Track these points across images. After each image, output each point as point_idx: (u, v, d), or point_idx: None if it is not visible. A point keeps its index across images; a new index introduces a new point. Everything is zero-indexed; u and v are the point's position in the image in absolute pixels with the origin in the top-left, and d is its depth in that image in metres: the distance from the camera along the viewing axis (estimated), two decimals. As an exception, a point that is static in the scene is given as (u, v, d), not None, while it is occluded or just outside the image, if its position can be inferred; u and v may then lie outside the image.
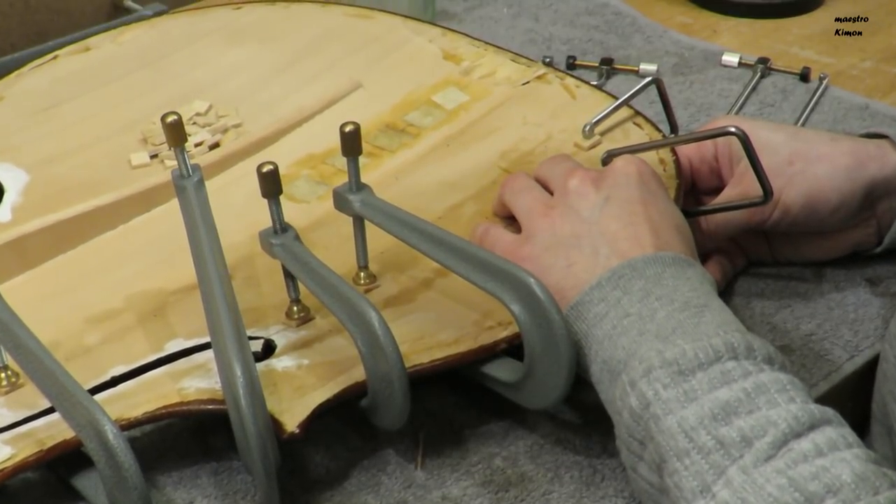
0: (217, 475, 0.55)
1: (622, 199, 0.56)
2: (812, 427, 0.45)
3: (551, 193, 0.59)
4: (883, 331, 0.63)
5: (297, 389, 0.53)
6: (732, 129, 0.60)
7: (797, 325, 0.64)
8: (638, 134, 0.70)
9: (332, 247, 0.61)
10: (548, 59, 0.88)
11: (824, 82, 0.86)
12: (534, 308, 0.51)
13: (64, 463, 0.53)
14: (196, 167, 0.56)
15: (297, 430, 0.51)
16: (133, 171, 0.69)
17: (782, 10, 0.97)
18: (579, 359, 0.53)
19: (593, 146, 0.69)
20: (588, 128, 0.69)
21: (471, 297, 0.56)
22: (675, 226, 0.56)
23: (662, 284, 0.52)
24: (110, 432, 0.47)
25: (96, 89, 0.77)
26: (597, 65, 0.89)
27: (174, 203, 0.57)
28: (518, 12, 0.98)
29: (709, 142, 0.65)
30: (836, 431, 0.45)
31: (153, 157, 0.70)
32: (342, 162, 0.58)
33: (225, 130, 0.72)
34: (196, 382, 0.54)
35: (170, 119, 0.53)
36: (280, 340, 0.56)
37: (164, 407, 0.53)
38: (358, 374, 0.53)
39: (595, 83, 0.85)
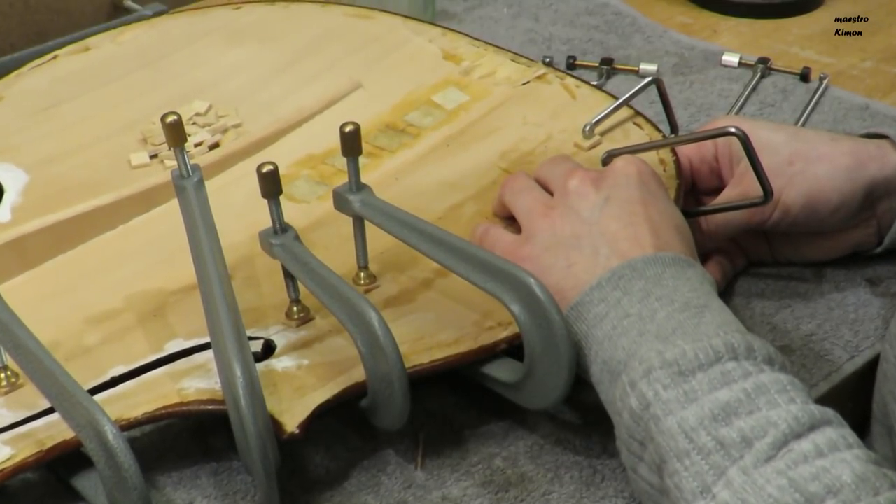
0: (217, 475, 0.55)
1: (622, 200, 0.56)
2: (812, 428, 0.45)
3: (551, 194, 0.59)
4: (883, 331, 0.63)
5: (296, 390, 0.53)
6: (732, 130, 0.60)
7: (797, 325, 0.64)
8: (638, 134, 0.70)
9: (332, 247, 0.61)
10: (548, 59, 0.88)
11: (824, 82, 0.86)
12: (534, 308, 0.51)
13: (64, 463, 0.52)
14: (196, 167, 0.56)
15: (297, 431, 0.51)
16: (133, 171, 0.69)
17: (782, 10, 0.97)
18: (579, 359, 0.53)
19: (593, 146, 0.69)
20: (588, 128, 0.69)
21: (471, 297, 0.56)
22: (675, 226, 0.56)
23: (662, 285, 0.52)
24: (110, 433, 0.47)
25: (96, 89, 0.77)
26: (597, 65, 0.89)
27: (174, 203, 0.57)
28: (518, 12, 0.98)
29: (709, 142, 0.65)
30: (837, 432, 0.45)
31: (153, 157, 0.70)
32: (342, 162, 0.58)
33: (225, 130, 0.72)
34: (196, 383, 0.54)
35: (169, 119, 0.53)
36: (280, 341, 0.56)
37: (164, 407, 0.53)
38: (358, 374, 0.53)
39: (595, 83, 0.85)
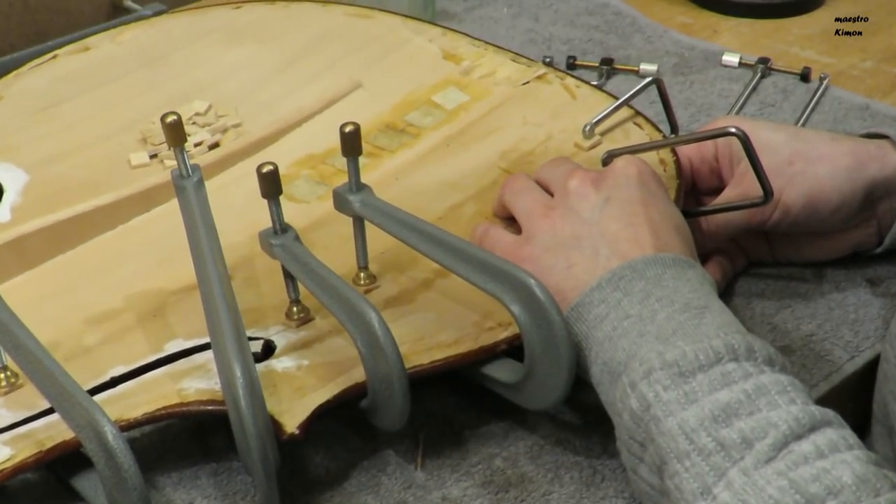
0: (217, 476, 0.55)
1: (622, 200, 0.56)
2: (813, 429, 0.45)
3: (551, 195, 0.59)
4: (883, 331, 0.63)
5: (296, 390, 0.53)
6: (733, 130, 0.60)
7: (798, 325, 0.64)
8: (638, 134, 0.70)
9: (332, 247, 0.61)
10: (548, 59, 0.88)
11: (825, 82, 0.85)
12: (534, 309, 0.51)
13: (63, 464, 0.52)
14: (196, 167, 0.56)
15: (297, 431, 0.51)
16: (132, 171, 0.69)
17: (783, 10, 0.97)
18: (579, 360, 0.53)
19: (593, 146, 0.69)
20: (588, 128, 0.69)
21: (471, 297, 0.56)
22: (675, 226, 0.56)
23: (663, 286, 0.52)
24: (110, 433, 0.47)
25: (95, 89, 0.76)
26: (597, 65, 0.89)
27: (174, 203, 0.57)
28: (518, 12, 0.98)
29: (709, 142, 0.65)
30: (837, 433, 0.45)
31: (153, 156, 0.69)
32: (342, 162, 0.58)
33: (224, 130, 0.72)
34: (196, 383, 0.54)
35: (169, 119, 0.53)
36: (280, 341, 0.56)
37: (164, 408, 0.53)
38: (358, 374, 0.53)
39: (595, 83, 0.85)
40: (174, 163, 0.57)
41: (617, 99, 0.71)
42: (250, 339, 0.55)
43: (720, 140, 0.64)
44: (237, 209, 0.65)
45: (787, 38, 0.94)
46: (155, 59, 0.79)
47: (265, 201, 0.55)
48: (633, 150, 0.62)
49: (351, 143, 0.56)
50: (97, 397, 0.52)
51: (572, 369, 0.51)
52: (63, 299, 0.60)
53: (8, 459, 0.51)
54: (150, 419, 0.53)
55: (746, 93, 0.85)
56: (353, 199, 0.57)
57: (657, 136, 0.69)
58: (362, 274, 0.59)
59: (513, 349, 0.55)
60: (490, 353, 0.55)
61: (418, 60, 0.78)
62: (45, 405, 0.53)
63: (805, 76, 0.87)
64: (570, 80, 0.75)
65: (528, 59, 0.78)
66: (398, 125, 0.72)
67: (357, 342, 0.52)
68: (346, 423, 0.57)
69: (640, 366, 0.49)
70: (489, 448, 0.56)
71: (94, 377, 0.55)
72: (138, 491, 0.48)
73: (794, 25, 0.96)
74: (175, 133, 0.54)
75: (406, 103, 0.74)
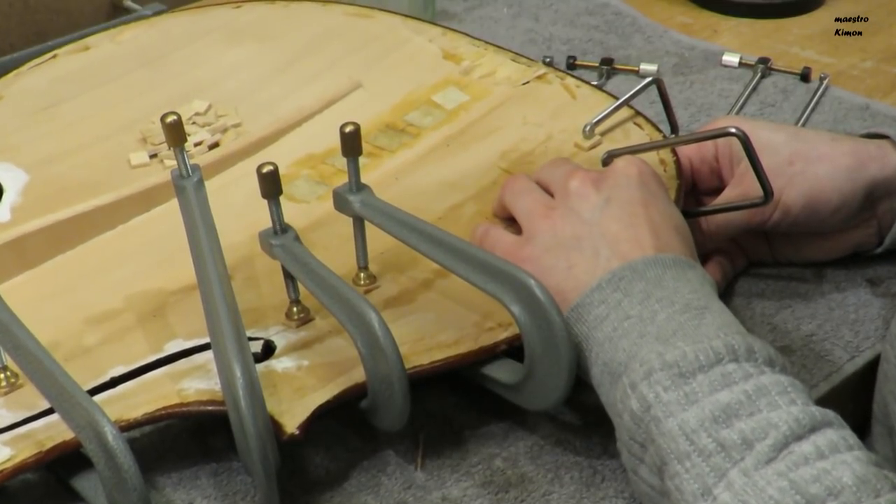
0: (217, 476, 0.55)
1: (623, 201, 0.56)
2: (813, 429, 0.45)
3: (552, 196, 0.59)
4: (884, 331, 0.63)
5: (296, 390, 0.53)
6: (733, 130, 0.59)
7: (798, 325, 0.64)
8: (638, 134, 0.69)
9: (332, 247, 0.61)
10: (548, 59, 0.87)
11: (825, 82, 0.85)
12: (534, 309, 0.51)
13: (63, 464, 0.52)
14: (196, 167, 0.56)
15: (297, 432, 0.51)
16: (132, 171, 0.68)
17: (783, 10, 0.97)
18: (580, 361, 0.53)
19: (594, 146, 0.69)
20: (588, 128, 0.69)
21: (471, 298, 0.56)
22: (676, 227, 0.56)
23: (663, 286, 0.52)
24: (110, 433, 0.47)
25: (95, 89, 0.76)
26: (597, 65, 0.89)
27: (174, 203, 0.57)
28: (518, 12, 0.98)
29: (709, 142, 0.65)
30: (837, 434, 0.45)
31: (152, 156, 0.69)
32: (342, 162, 0.58)
33: (224, 130, 0.72)
34: (196, 383, 0.54)
35: (169, 119, 0.53)
36: (280, 341, 0.56)
37: (164, 408, 0.53)
38: (358, 375, 0.53)
39: (595, 83, 0.85)
40: (174, 162, 0.57)
41: (617, 99, 0.71)
42: (250, 339, 0.55)
43: (720, 140, 0.64)
44: (237, 209, 0.65)
45: (787, 38, 0.94)
46: (155, 58, 0.79)
47: (265, 201, 0.55)
48: (634, 151, 0.62)
49: (351, 143, 0.56)
50: (97, 397, 0.52)
51: (572, 370, 0.51)
52: (63, 299, 0.60)
53: (8, 460, 0.51)
54: (149, 419, 0.53)
55: (746, 93, 0.85)
56: (353, 200, 0.57)
57: (657, 137, 0.69)
58: (362, 274, 0.59)
59: (513, 350, 0.55)
60: (490, 354, 0.55)
61: (418, 60, 0.78)
62: (45, 405, 0.53)
63: (805, 76, 0.87)
64: (570, 80, 0.75)
65: (529, 59, 0.78)
66: (398, 125, 0.72)
67: (357, 342, 0.52)
68: (346, 424, 0.57)
69: (641, 366, 0.49)
70: (489, 448, 0.56)
71: (93, 377, 0.55)
72: (138, 491, 0.48)
73: (795, 25, 0.96)
74: (175, 133, 0.53)
75: (406, 103, 0.74)
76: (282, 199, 0.55)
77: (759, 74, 0.87)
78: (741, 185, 0.63)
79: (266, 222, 0.56)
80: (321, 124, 0.72)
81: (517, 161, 0.68)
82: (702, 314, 0.50)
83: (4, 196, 0.66)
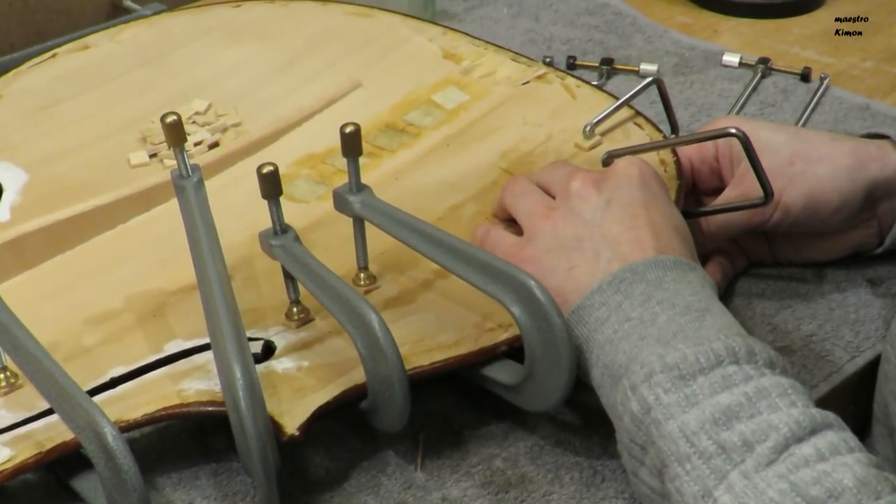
0: (216, 476, 0.55)
1: (624, 202, 0.56)
2: (813, 431, 0.45)
3: (552, 198, 0.59)
4: (884, 331, 0.63)
5: (296, 391, 0.53)
6: (733, 131, 0.59)
7: (798, 325, 0.64)
8: (638, 134, 0.69)
9: (332, 247, 0.61)
10: (548, 59, 0.87)
11: (825, 82, 0.85)
12: (534, 310, 0.51)
13: (63, 465, 0.52)
14: (195, 167, 0.56)
15: (297, 433, 0.51)
16: (132, 171, 0.68)
17: (783, 10, 0.97)
18: (580, 363, 0.52)
19: (594, 146, 0.69)
20: (589, 128, 0.69)
21: (471, 298, 0.56)
22: (676, 228, 0.56)
23: (664, 288, 0.52)
24: (109, 434, 0.47)
25: (95, 88, 0.76)
26: (597, 65, 0.89)
27: (173, 203, 0.57)
28: (518, 12, 0.98)
29: (709, 142, 0.65)
30: (838, 436, 0.45)
31: (152, 156, 0.69)
32: (342, 162, 0.58)
33: (224, 130, 0.71)
34: (196, 384, 0.54)
35: (169, 119, 0.53)
36: (280, 342, 0.56)
37: (164, 408, 0.53)
38: (358, 375, 0.53)
39: (595, 83, 0.84)
40: (174, 162, 0.57)
41: (617, 99, 0.71)
42: (250, 339, 0.55)
43: (720, 140, 0.64)
44: (237, 209, 0.65)
45: (787, 38, 0.94)
46: (154, 57, 0.79)
47: (265, 201, 0.55)
48: (634, 151, 0.62)
49: (351, 143, 0.56)
50: (97, 398, 0.52)
51: (573, 371, 0.51)
52: (62, 299, 0.60)
53: (8, 460, 0.51)
54: (149, 420, 0.53)
55: (747, 93, 0.85)
56: (353, 200, 0.57)
57: (657, 137, 0.69)
58: (362, 274, 0.59)
59: (513, 350, 0.55)
60: (490, 355, 0.55)
61: (418, 60, 0.78)
62: (45, 406, 0.53)
63: (805, 76, 0.87)
64: (570, 80, 0.75)
65: (529, 58, 0.78)
66: (398, 125, 0.72)
67: (357, 343, 0.52)
68: (346, 424, 0.57)
69: (641, 369, 0.49)
70: (489, 449, 0.56)
71: (93, 378, 0.55)
72: (138, 492, 0.48)
73: (795, 25, 0.96)
74: (175, 133, 0.53)
75: (406, 103, 0.74)
76: (282, 199, 0.55)
77: (759, 74, 0.87)
78: (741, 186, 0.63)
79: (266, 222, 0.56)
80: (321, 124, 0.72)
81: (517, 161, 0.68)
82: (702, 316, 0.50)
83: (4, 195, 0.66)
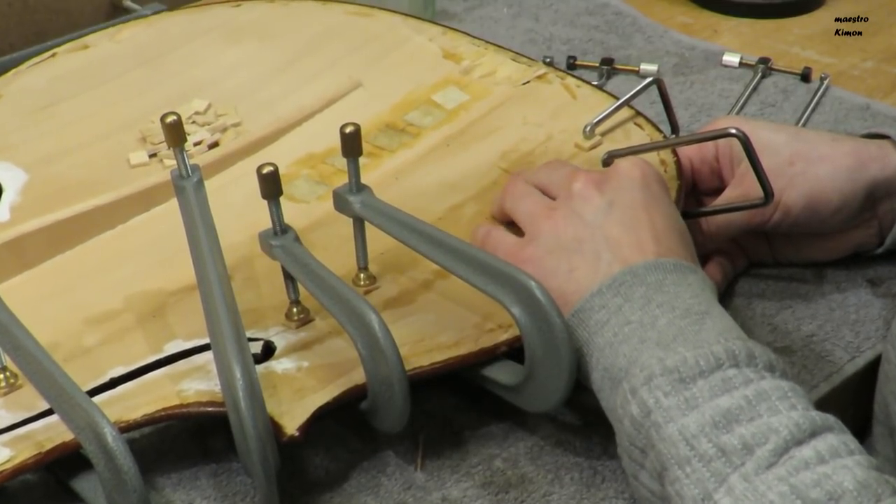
0: (216, 477, 0.55)
1: (626, 204, 0.56)
2: (813, 434, 0.45)
3: (552, 199, 0.59)
4: (884, 332, 0.63)
5: (296, 392, 0.53)
6: (733, 131, 0.59)
7: (798, 326, 0.64)
8: (639, 134, 0.69)
9: (332, 247, 0.61)
10: (548, 59, 0.87)
11: (825, 82, 0.85)
12: (534, 311, 0.51)
13: (63, 465, 0.52)
14: (195, 167, 0.55)
15: (297, 433, 0.51)
16: (132, 171, 0.68)
17: (783, 10, 0.97)
18: (580, 366, 0.52)
19: (594, 147, 0.69)
20: (589, 128, 0.69)
21: (471, 299, 0.56)
22: (678, 230, 0.56)
23: (664, 291, 0.52)
24: (109, 435, 0.47)
25: (95, 88, 0.76)
26: (597, 65, 0.88)
27: (173, 203, 0.57)
28: (518, 12, 0.98)
29: (710, 143, 0.65)
30: (838, 438, 0.45)
31: (152, 156, 0.69)
32: (342, 162, 0.58)
33: (224, 129, 0.71)
34: (195, 384, 0.54)
35: (169, 119, 0.53)
36: (280, 342, 0.56)
37: (164, 409, 0.53)
38: (358, 376, 0.53)
39: (596, 83, 0.84)
40: (174, 162, 0.57)
41: (617, 99, 0.71)
42: (250, 339, 0.55)
43: (721, 140, 0.64)
44: (237, 209, 0.65)
45: (787, 38, 0.94)
46: (154, 57, 0.79)
47: (265, 201, 0.55)
48: (634, 151, 0.62)
49: (351, 143, 0.56)
50: (97, 398, 0.52)
51: (573, 371, 0.51)
52: (62, 299, 0.60)
53: (7, 461, 0.51)
54: (149, 420, 0.53)
55: (747, 93, 0.85)
56: (353, 200, 0.57)
57: (658, 137, 0.69)
58: (362, 275, 0.59)
59: (513, 351, 0.55)
60: (490, 355, 0.55)
61: (418, 59, 0.78)
62: (45, 406, 0.52)
63: (806, 76, 0.87)
64: (570, 80, 0.75)
65: (529, 58, 0.78)
66: (398, 125, 0.72)
67: (357, 344, 0.52)
68: (346, 425, 0.57)
69: (641, 372, 0.49)
70: (489, 449, 0.56)
71: (93, 378, 0.55)
72: (138, 492, 0.48)
73: (795, 25, 0.96)
74: (175, 133, 0.53)
75: (406, 103, 0.74)
76: (282, 199, 0.55)
77: (759, 74, 0.87)
78: (742, 186, 0.63)
79: (266, 222, 0.56)
80: (321, 124, 0.72)
81: (517, 161, 0.68)
82: (702, 319, 0.50)
83: (3, 195, 0.66)
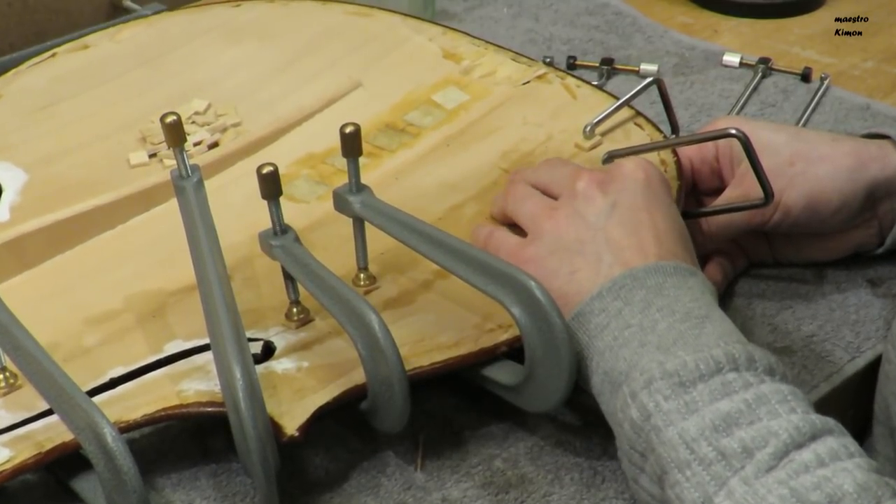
0: (216, 477, 0.55)
1: (628, 207, 0.55)
2: (813, 437, 0.45)
3: (553, 199, 0.59)
4: (885, 332, 0.63)
5: (296, 392, 0.53)
6: (733, 132, 0.59)
7: (798, 326, 0.64)
8: (639, 134, 0.69)
9: (332, 248, 0.61)
10: (548, 59, 0.87)
11: (825, 82, 0.85)
12: (534, 311, 0.51)
13: (63, 465, 0.52)
14: (195, 167, 0.55)
15: (297, 433, 0.51)
16: (132, 171, 0.68)
17: (783, 10, 0.97)
18: (580, 370, 0.52)
19: (594, 147, 0.69)
20: (589, 128, 0.69)
21: (471, 299, 0.56)
22: (679, 233, 0.56)
23: (664, 295, 0.52)
24: (109, 435, 0.47)
25: (95, 88, 0.76)
26: (597, 65, 0.88)
27: (173, 203, 0.57)
28: (518, 12, 0.98)
29: (710, 143, 0.65)
30: (838, 441, 0.45)
31: (152, 156, 0.69)
32: (342, 162, 0.58)
33: (224, 129, 0.71)
34: (195, 384, 0.54)
35: (169, 119, 0.53)
36: (279, 342, 0.56)
37: (164, 409, 0.53)
38: (358, 376, 0.53)
39: (596, 83, 0.84)
40: (173, 162, 0.57)
41: (617, 99, 0.71)
42: (250, 340, 0.55)
43: (721, 140, 0.64)
44: (237, 209, 0.64)
45: (787, 38, 0.94)
46: (154, 57, 0.79)
47: (265, 201, 0.55)
48: (634, 151, 0.62)
49: (351, 143, 0.56)
50: (96, 399, 0.52)
51: (573, 372, 0.51)
52: (62, 300, 0.60)
53: (7, 461, 0.51)
54: (149, 421, 0.53)
55: (747, 93, 0.85)
56: (353, 200, 0.57)
57: (658, 137, 0.69)
58: (362, 275, 0.59)
59: (513, 351, 0.55)
60: (490, 356, 0.55)
61: (418, 59, 0.78)
62: (45, 406, 0.52)
63: (806, 76, 0.87)
64: (570, 80, 0.75)
65: (529, 58, 0.78)
66: (398, 125, 0.72)
67: (357, 344, 0.52)
68: (346, 425, 0.57)
69: (641, 375, 0.48)
70: (489, 449, 0.56)
71: (93, 378, 0.55)
72: (138, 493, 0.48)
73: (795, 25, 0.96)
74: (175, 133, 0.53)
75: (406, 103, 0.74)
76: (282, 199, 0.55)
77: (759, 74, 0.87)
78: (742, 186, 0.63)
79: (266, 222, 0.56)
80: (321, 124, 0.72)
81: (517, 161, 0.68)
82: (702, 323, 0.50)
83: (3, 195, 0.66)
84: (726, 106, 0.84)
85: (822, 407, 0.48)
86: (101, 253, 0.64)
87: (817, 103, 0.83)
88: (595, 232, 0.55)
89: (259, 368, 0.54)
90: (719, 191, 0.65)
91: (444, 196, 0.65)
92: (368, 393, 0.53)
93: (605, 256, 0.54)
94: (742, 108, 0.84)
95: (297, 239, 0.56)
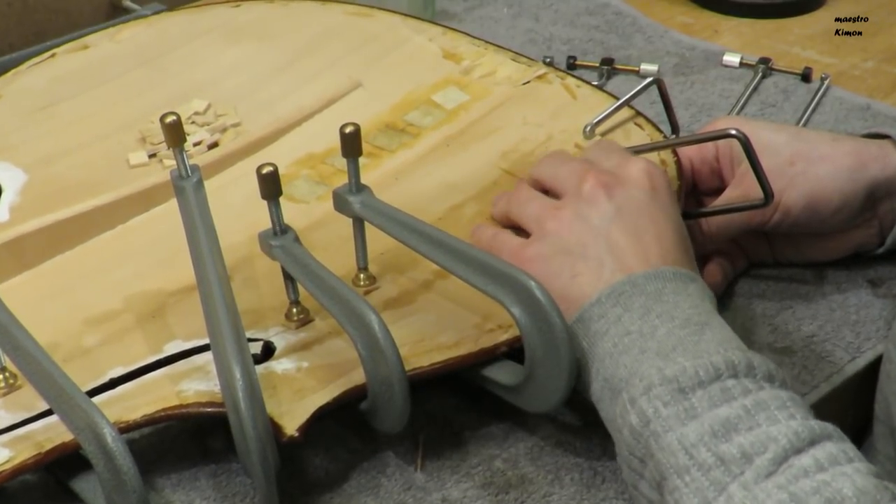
0: (216, 477, 0.55)
1: (633, 211, 0.55)
2: (812, 442, 0.45)
3: (557, 197, 0.59)
4: (885, 332, 0.63)
5: (296, 392, 0.53)
6: (733, 132, 0.59)
7: (798, 326, 0.64)
8: (639, 134, 0.69)
9: (332, 248, 0.61)
10: (548, 60, 0.87)
11: (826, 82, 0.85)
12: (534, 311, 0.51)
13: (63, 465, 0.52)
14: (195, 168, 0.55)
15: (297, 434, 0.51)
16: (131, 171, 0.68)
17: (783, 10, 0.97)
18: (581, 377, 0.52)
19: (594, 147, 0.68)
20: (589, 128, 0.69)
21: (471, 299, 0.56)
22: (680, 239, 0.56)
23: (663, 301, 0.52)
24: (109, 435, 0.47)
25: (94, 88, 0.76)
26: (597, 65, 0.88)
27: (173, 203, 0.57)
28: (518, 12, 0.98)
29: (710, 143, 0.65)
30: (837, 446, 0.45)
31: (151, 156, 0.69)
32: (342, 162, 0.58)
33: (224, 130, 0.71)
34: (195, 385, 0.54)
35: (169, 120, 0.53)
36: (279, 342, 0.56)
37: (163, 409, 0.53)
38: (358, 376, 0.53)
39: (596, 83, 0.84)
40: (173, 162, 0.57)
41: (617, 99, 0.71)
42: (250, 340, 0.55)
43: (721, 141, 0.64)
44: (236, 209, 0.64)
45: (787, 39, 0.94)
46: (154, 57, 0.79)
47: (265, 201, 0.55)
48: (634, 151, 0.62)
49: (351, 143, 0.56)
50: (96, 399, 0.52)
51: (573, 372, 0.51)
52: (62, 300, 0.60)
53: (7, 461, 0.51)
54: (149, 421, 0.53)
55: (747, 93, 0.85)
56: (353, 201, 0.57)
57: (658, 137, 0.69)
58: (362, 275, 0.59)
59: (513, 351, 0.55)
60: (490, 356, 0.55)
61: (418, 59, 0.78)
62: (44, 407, 0.52)
63: (806, 76, 0.87)
64: (570, 80, 0.75)
65: (529, 58, 0.78)
66: (398, 125, 0.72)
67: (357, 344, 0.52)
68: (345, 425, 0.57)
69: (641, 382, 0.48)
70: (489, 449, 0.56)
71: (93, 378, 0.55)
72: (138, 493, 0.48)
73: (795, 25, 0.96)
74: (174, 133, 0.53)
75: (406, 103, 0.74)
76: (281, 199, 0.55)
77: (759, 75, 0.87)
78: (742, 186, 0.63)
79: (266, 222, 0.56)
80: (321, 124, 0.72)
81: (517, 161, 0.68)
82: (702, 329, 0.50)
83: (3, 196, 0.66)
84: (726, 106, 0.83)
85: (822, 407, 0.48)
86: (100, 253, 0.64)
87: (817, 103, 0.83)
88: (597, 236, 0.55)
89: (259, 369, 0.54)
90: (719, 191, 0.65)
91: (444, 196, 0.65)
92: (368, 393, 0.53)
93: (607, 261, 0.54)
94: (742, 108, 0.84)
95: (296, 239, 0.56)
